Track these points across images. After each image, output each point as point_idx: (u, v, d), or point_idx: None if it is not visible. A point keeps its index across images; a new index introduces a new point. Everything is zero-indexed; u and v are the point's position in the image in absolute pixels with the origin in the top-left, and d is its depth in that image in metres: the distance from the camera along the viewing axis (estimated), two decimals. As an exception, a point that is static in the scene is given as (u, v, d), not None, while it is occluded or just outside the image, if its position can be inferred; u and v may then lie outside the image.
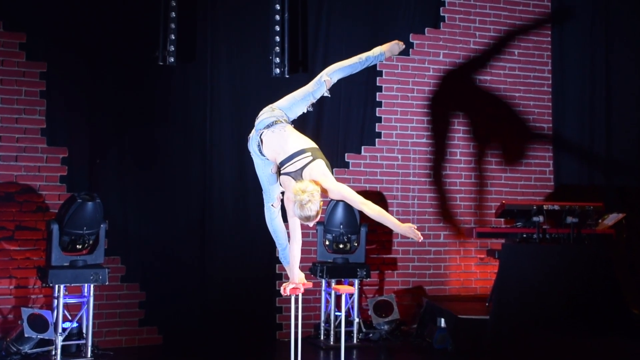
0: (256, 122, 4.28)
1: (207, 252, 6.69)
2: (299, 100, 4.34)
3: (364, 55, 4.46)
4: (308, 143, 4.18)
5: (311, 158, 4.07)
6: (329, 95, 4.43)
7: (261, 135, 4.21)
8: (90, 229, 5.77)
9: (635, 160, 7.68)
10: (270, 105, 4.35)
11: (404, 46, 4.57)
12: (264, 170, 4.33)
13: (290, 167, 4.08)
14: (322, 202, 3.97)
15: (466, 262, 7.60)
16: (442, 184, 7.54)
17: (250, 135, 4.33)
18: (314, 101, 4.40)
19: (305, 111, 4.41)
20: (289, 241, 4.39)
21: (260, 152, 4.24)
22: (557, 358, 5.71)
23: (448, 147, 7.62)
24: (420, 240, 3.93)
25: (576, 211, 6.44)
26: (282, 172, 4.14)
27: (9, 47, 6.17)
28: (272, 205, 4.40)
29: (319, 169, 4.05)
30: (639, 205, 7.31)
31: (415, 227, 3.91)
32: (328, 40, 7.17)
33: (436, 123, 7.59)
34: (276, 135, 4.17)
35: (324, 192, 4.03)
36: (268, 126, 4.20)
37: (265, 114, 4.26)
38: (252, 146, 4.29)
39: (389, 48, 4.53)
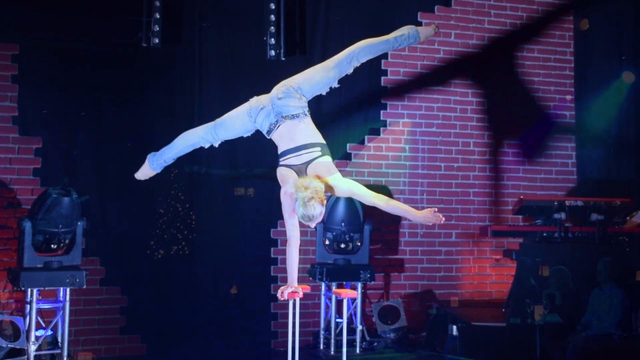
0: (277, 100, 4.17)
1: (196, 253, 6.66)
2: (320, 84, 4.30)
3: (395, 35, 4.43)
4: (319, 138, 4.21)
5: (319, 154, 4.11)
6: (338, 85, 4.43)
7: (280, 122, 4.19)
8: (66, 227, 5.73)
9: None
10: (291, 85, 4.23)
11: (438, 30, 4.63)
12: (242, 124, 4.32)
13: (295, 159, 4.11)
14: (325, 201, 3.95)
15: (480, 264, 7.56)
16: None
17: (261, 105, 4.22)
18: (336, 86, 4.38)
19: (323, 93, 4.40)
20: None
21: (267, 133, 4.23)
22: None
23: (460, 136, 7.59)
24: (442, 222, 3.97)
25: (602, 208, 6.42)
26: (281, 162, 4.16)
27: (-24, 28, 6.15)
28: (211, 145, 4.44)
29: (325, 165, 4.09)
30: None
31: (436, 210, 3.93)
32: (329, 19, 7.12)
33: (446, 110, 7.56)
34: (294, 125, 4.17)
35: (328, 190, 4.04)
36: (292, 117, 4.18)
37: (294, 100, 4.18)
38: (260, 120, 4.22)
39: (424, 31, 4.54)
